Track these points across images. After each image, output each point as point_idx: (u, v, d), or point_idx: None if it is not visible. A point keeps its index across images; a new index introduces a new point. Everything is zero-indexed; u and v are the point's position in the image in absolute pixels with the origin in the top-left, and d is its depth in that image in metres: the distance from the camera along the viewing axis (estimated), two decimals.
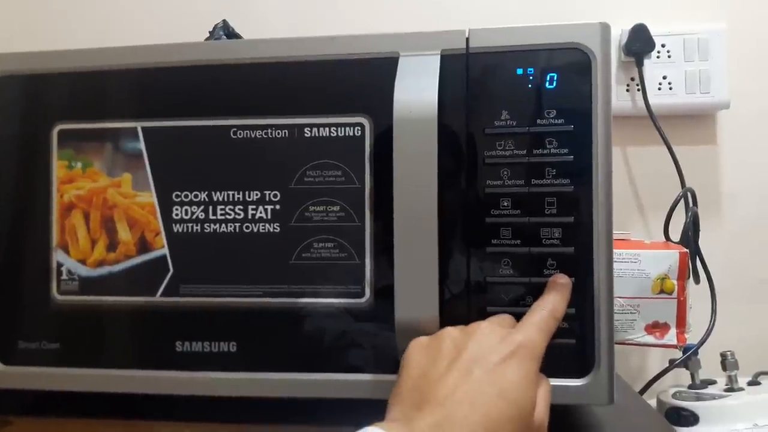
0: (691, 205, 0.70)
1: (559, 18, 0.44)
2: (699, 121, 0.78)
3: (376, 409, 0.37)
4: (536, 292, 0.42)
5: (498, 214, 0.42)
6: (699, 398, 0.63)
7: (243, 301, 0.45)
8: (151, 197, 0.46)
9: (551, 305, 0.40)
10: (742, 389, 0.64)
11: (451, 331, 0.38)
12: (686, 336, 0.60)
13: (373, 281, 0.44)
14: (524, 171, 0.42)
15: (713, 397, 0.63)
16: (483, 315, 0.42)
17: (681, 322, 0.60)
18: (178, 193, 0.46)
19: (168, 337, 0.46)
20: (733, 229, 0.77)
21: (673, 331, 0.60)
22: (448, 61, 0.43)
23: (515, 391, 0.34)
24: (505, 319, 0.41)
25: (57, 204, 0.48)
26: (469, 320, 0.42)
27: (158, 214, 0.46)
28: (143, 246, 0.46)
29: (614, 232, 0.42)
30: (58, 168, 0.48)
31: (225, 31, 0.69)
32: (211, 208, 0.46)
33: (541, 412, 0.36)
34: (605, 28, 0.43)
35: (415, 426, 0.33)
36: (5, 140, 0.48)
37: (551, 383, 0.41)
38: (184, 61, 0.47)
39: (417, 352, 0.38)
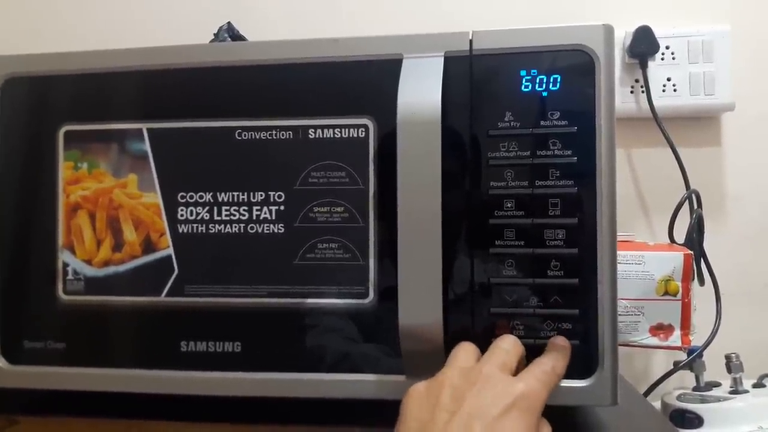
0: (695, 206, 0.70)
1: (563, 20, 0.43)
2: (703, 122, 0.78)
3: (378, 410, 0.37)
4: (540, 293, 0.42)
5: (502, 216, 0.43)
6: (703, 400, 0.63)
7: (247, 302, 0.45)
8: (156, 198, 0.47)
9: (553, 362, 0.39)
10: (746, 391, 0.64)
11: (451, 377, 0.37)
12: (691, 338, 0.60)
13: (377, 282, 0.44)
14: (528, 172, 0.42)
15: (718, 399, 0.63)
16: (487, 316, 0.42)
17: (685, 324, 0.60)
18: (183, 193, 0.46)
19: (173, 337, 0.46)
20: (738, 230, 0.77)
21: (677, 332, 0.60)
22: (451, 63, 0.43)
23: None
24: (509, 352, 0.39)
25: (63, 204, 0.48)
26: (473, 322, 0.42)
27: (163, 215, 0.47)
28: (148, 246, 0.47)
29: (618, 233, 0.42)
30: (64, 169, 0.48)
31: (230, 33, 0.69)
32: (215, 208, 0.46)
33: None
34: (608, 30, 0.43)
35: None
36: (12, 141, 0.49)
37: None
38: (190, 63, 0.47)
39: (415, 403, 0.36)
